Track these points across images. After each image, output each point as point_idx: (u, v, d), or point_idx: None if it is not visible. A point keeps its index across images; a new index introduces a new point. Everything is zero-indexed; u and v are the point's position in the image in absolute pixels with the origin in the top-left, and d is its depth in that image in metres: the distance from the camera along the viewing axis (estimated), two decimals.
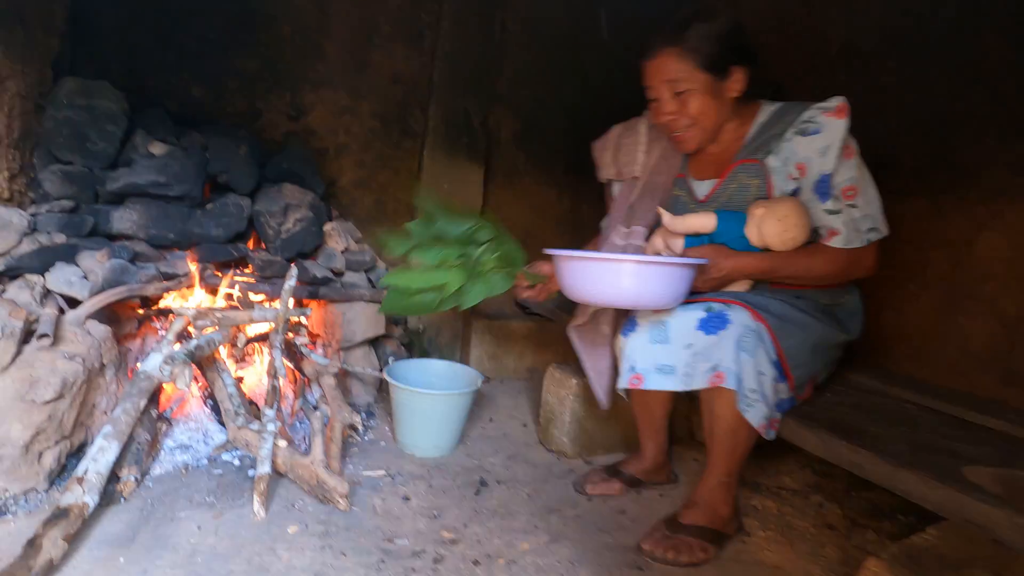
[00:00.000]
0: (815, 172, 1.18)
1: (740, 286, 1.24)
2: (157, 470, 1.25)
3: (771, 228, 1.16)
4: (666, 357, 1.13)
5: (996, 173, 1.53)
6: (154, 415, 1.31)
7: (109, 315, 1.30)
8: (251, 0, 1.80)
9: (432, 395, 1.45)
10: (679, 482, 1.47)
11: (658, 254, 1.30)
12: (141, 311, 1.44)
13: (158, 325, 1.47)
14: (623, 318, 1.26)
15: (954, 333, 1.59)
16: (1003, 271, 1.50)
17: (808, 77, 1.96)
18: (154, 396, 1.33)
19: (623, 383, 1.18)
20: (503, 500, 1.32)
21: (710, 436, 1.18)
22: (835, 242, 1.19)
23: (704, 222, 1.23)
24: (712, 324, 1.10)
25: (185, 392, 1.39)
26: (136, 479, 1.17)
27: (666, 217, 1.27)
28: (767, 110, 1.28)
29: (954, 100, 1.61)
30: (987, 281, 1.53)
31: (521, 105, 2.18)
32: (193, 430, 1.38)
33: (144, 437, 1.24)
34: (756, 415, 1.10)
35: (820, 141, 1.16)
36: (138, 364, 1.32)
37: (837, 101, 1.16)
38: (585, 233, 2.39)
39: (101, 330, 1.23)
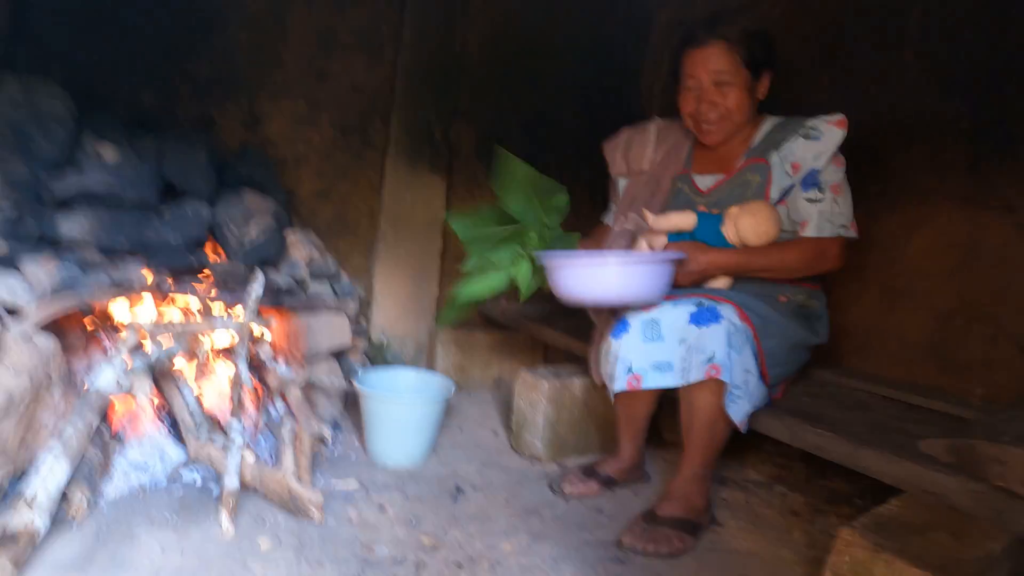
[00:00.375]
0: (806, 169, 1.29)
1: (721, 282, 1.31)
2: (111, 492, 1.16)
3: (746, 223, 1.26)
4: (662, 354, 1.16)
5: (923, 178, 1.67)
6: (105, 434, 1.23)
7: (55, 328, 1.21)
8: (205, 5, 1.75)
9: (405, 403, 1.43)
10: (651, 481, 1.50)
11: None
12: (90, 324, 1.35)
13: (109, 338, 1.38)
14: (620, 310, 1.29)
15: (894, 328, 1.71)
16: (934, 268, 1.63)
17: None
18: (104, 415, 1.25)
19: (620, 385, 1.19)
20: (481, 505, 1.30)
21: (688, 429, 1.21)
22: (806, 231, 1.29)
23: (685, 221, 1.31)
24: (703, 317, 1.13)
25: (142, 407, 1.31)
26: (89, 501, 1.08)
27: (649, 217, 1.33)
28: (771, 120, 1.39)
29: (881, 112, 1.76)
30: (920, 278, 1.66)
31: (481, 119, 2.21)
32: (149, 449, 1.29)
33: (96, 457, 1.16)
34: (739, 411, 1.14)
35: (819, 146, 1.28)
36: (88, 380, 1.23)
37: (838, 115, 1.29)
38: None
39: (49, 343, 1.14)
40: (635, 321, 1.20)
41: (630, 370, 1.18)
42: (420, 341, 2.14)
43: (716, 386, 1.13)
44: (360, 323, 1.97)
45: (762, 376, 1.19)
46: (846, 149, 1.44)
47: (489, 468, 1.50)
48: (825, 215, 1.28)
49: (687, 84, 1.37)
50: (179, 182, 1.45)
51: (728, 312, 1.13)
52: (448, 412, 1.70)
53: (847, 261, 1.75)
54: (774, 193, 1.33)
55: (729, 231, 1.30)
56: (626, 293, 1.16)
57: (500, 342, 2.15)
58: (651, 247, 1.34)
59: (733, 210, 1.29)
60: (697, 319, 1.14)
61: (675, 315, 1.16)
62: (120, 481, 1.20)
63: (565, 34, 2.29)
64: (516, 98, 2.25)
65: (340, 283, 1.77)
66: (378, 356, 2.04)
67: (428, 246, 2.13)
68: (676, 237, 1.33)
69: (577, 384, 1.59)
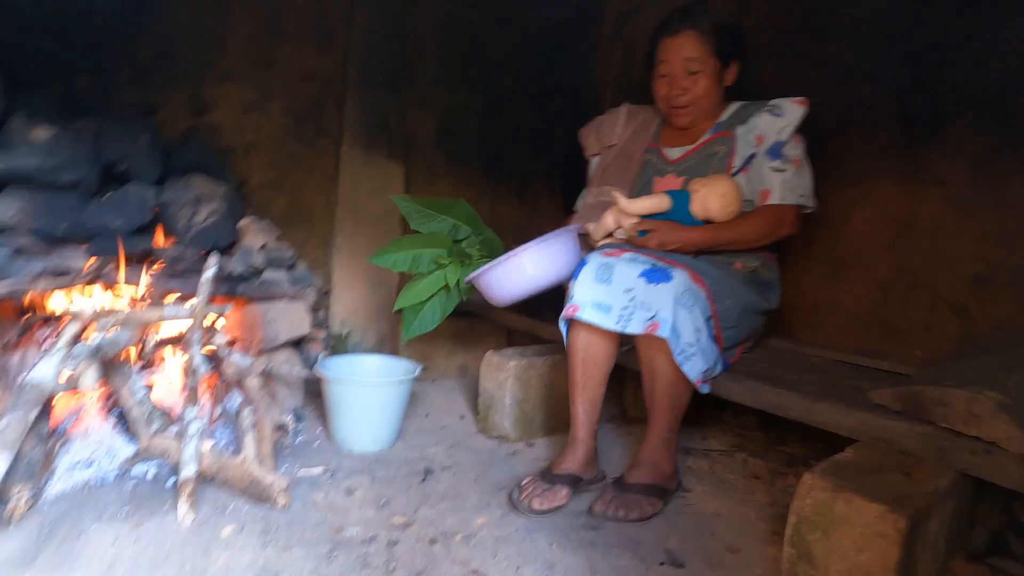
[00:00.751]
0: (770, 141, 1.39)
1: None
2: (54, 491, 1.09)
3: (715, 203, 1.35)
4: (605, 296, 1.19)
5: (861, 159, 1.76)
6: (46, 430, 1.15)
7: None
8: None
9: (370, 385, 1.40)
10: (607, 480, 1.31)
11: (610, 232, 1.42)
12: (23, 317, 1.26)
13: (45, 333, 1.29)
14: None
15: (840, 300, 1.79)
16: (873, 242, 1.73)
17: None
18: (45, 410, 1.17)
19: (563, 315, 1.23)
20: (451, 484, 1.29)
21: (650, 394, 1.24)
22: (770, 199, 1.38)
23: (659, 204, 1.37)
24: (655, 276, 1.17)
25: (86, 401, 1.23)
26: (29, 500, 1.01)
27: (621, 200, 1.38)
28: (736, 104, 1.50)
29: (820, 98, 1.85)
30: (862, 252, 1.75)
31: (437, 108, 2.20)
32: (95, 445, 1.22)
33: (36, 454, 1.08)
34: (693, 368, 1.17)
35: (781, 122, 1.39)
36: (24, 373, 1.15)
37: (801, 97, 1.42)
38: (507, 235, 2.44)
39: None
40: (592, 263, 1.22)
41: (572, 299, 1.22)
42: (382, 331, 2.10)
43: (669, 346, 1.15)
44: (320, 314, 1.92)
45: (715, 338, 1.23)
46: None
47: (457, 450, 1.49)
48: (788, 184, 1.38)
49: (660, 70, 1.47)
50: (121, 165, 1.37)
51: (679, 274, 1.17)
52: (414, 400, 1.68)
53: (798, 240, 1.85)
54: (737, 161, 1.43)
55: (697, 208, 1.38)
56: (538, 279, 1.32)
57: (464, 329, 2.13)
58: (620, 226, 1.41)
59: (700, 190, 1.36)
60: (649, 276, 1.17)
61: (629, 266, 1.19)
62: (64, 479, 1.12)
63: (518, 22, 2.30)
64: (471, 86, 2.25)
65: (297, 271, 1.72)
66: (339, 347, 2.00)
67: (387, 235, 2.09)
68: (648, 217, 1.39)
69: (542, 363, 1.60)
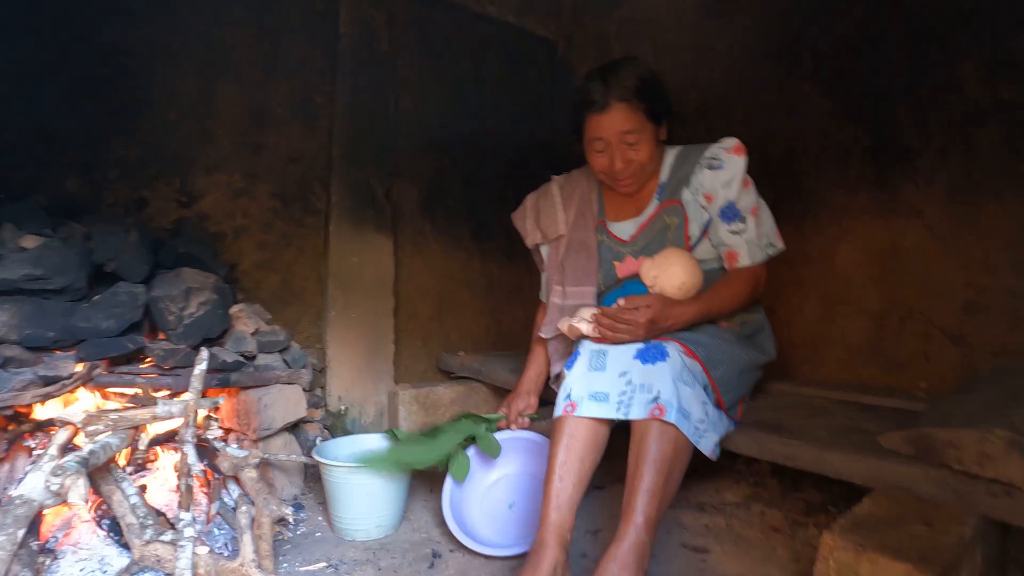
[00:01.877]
0: (721, 200, 1.33)
1: None
2: None
3: (673, 292, 1.27)
4: (601, 385, 1.14)
5: (837, 195, 1.80)
6: (35, 548, 1.11)
7: None
8: (128, 87, 1.73)
9: (370, 471, 1.36)
10: None
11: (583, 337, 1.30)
12: (11, 427, 1.23)
13: (34, 443, 1.26)
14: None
15: (836, 335, 1.79)
16: (861, 274, 1.75)
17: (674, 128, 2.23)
18: (33, 526, 1.12)
19: (557, 411, 1.15)
20: (460, 566, 1.24)
21: (635, 471, 1.05)
22: (740, 262, 1.33)
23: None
24: (650, 355, 1.13)
25: (77, 512, 1.19)
26: None
27: (585, 328, 1.24)
28: (671, 153, 1.42)
29: (792, 139, 1.91)
30: (851, 285, 1.77)
31: (422, 176, 2.25)
32: (86, 559, 1.17)
33: (24, 575, 1.03)
34: (708, 443, 1.13)
35: (724, 175, 1.32)
36: (12, 488, 1.11)
37: (734, 141, 1.33)
38: (499, 295, 2.46)
39: None
40: (585, 351, 1.19)
41: (568, 397, 1.14)
42: (380, 404, 2.07)
43: (671, 428, 1.07)
44: (316, 393, 1.90)
45: (718, 403, 1.19)
46: (767, 175, 1.54)
47: None
48: (753, 243, 1.32)
49: (596, 146, 1.35)
50: (110, 264, 1.38)
51: (674, 350, 1.12)
52: (417, 475, 1.63)
53: (787, 277, 1.85)
54: (694, 230, 1.36)
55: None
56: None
57: (462, 395, 2.11)
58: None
59: (655, 285, 1.28)
60: (643, 356, 1.13)
61: (622, 349, 1.15)
62: None
63: (494, 88, 2.39)
64: (453, 153, 2.32)
65: (291, 353, 1.71)
66: (337, 425, 1.96)
67: (380, 306, 2.10)
68: (634, 289, 1.35)
69: (545, 426, 1.57)
